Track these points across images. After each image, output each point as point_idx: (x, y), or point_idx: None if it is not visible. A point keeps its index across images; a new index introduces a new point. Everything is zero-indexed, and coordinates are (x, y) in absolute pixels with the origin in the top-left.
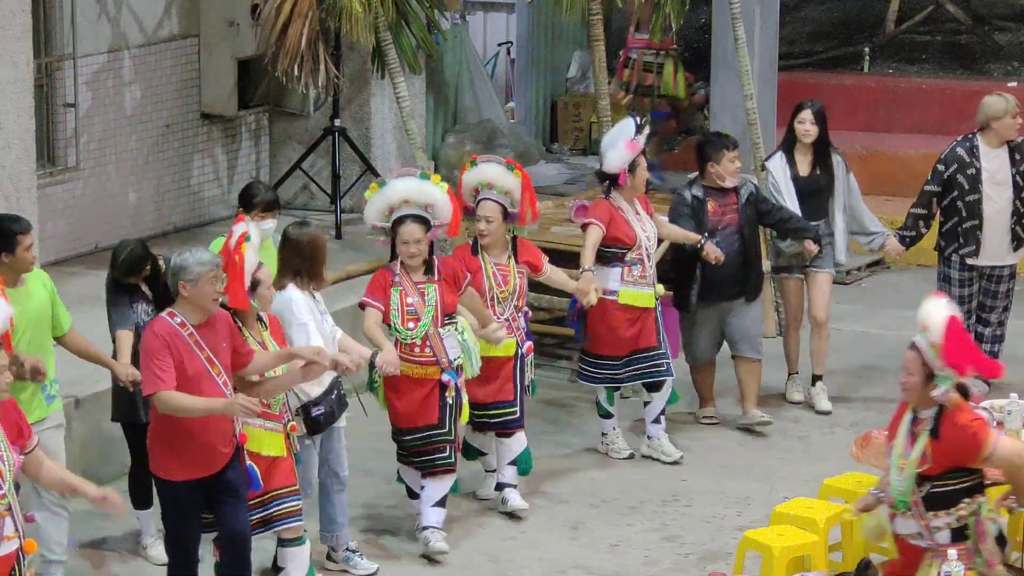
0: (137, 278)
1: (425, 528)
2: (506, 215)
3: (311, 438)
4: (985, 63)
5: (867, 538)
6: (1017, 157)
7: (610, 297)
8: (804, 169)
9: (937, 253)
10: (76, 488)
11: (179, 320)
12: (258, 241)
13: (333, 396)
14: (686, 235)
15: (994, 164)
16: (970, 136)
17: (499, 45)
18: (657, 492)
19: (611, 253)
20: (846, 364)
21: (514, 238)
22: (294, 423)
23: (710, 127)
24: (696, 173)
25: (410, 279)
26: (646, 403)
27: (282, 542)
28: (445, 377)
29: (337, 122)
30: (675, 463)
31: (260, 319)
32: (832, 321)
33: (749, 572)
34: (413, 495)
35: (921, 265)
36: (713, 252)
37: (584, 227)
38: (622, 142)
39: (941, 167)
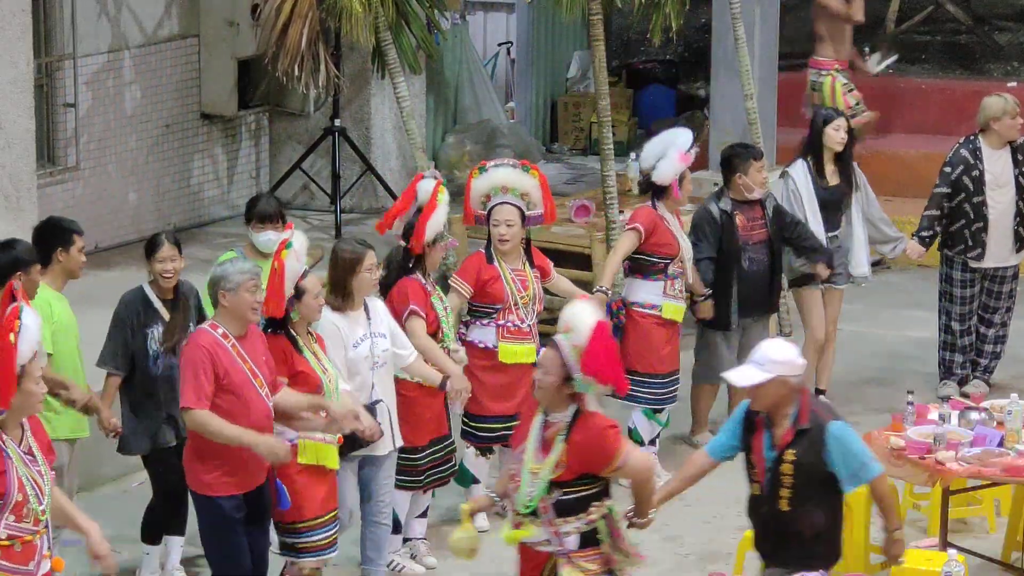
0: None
1: (409, 540)
2: (523, 218)
3: (348, 460)
4: (985, 63)
5: (456, 554)
6: (1019, 158)
7: (652, 312)
8: (830, 178)
9: (940, 253)
10: (79, 526)
11: (221, 331)
12: (301, 248)
13: (375, 416)
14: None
15: (996, 166)
16: (972, 138)
17: (499, 45)
18: None
19: (653, 263)
20: (846, 364)
21: (527, 243)
22: (342, 436)
23: (710, 127)
24: (721, 186)
25: (434, 288)
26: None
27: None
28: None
29: (337, 122)
30: None
31: (309, 332)
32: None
33: (749, 572)
34: (398, 529)
35: (922, 265)
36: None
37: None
38: (675, 153)
39: (948, 169)
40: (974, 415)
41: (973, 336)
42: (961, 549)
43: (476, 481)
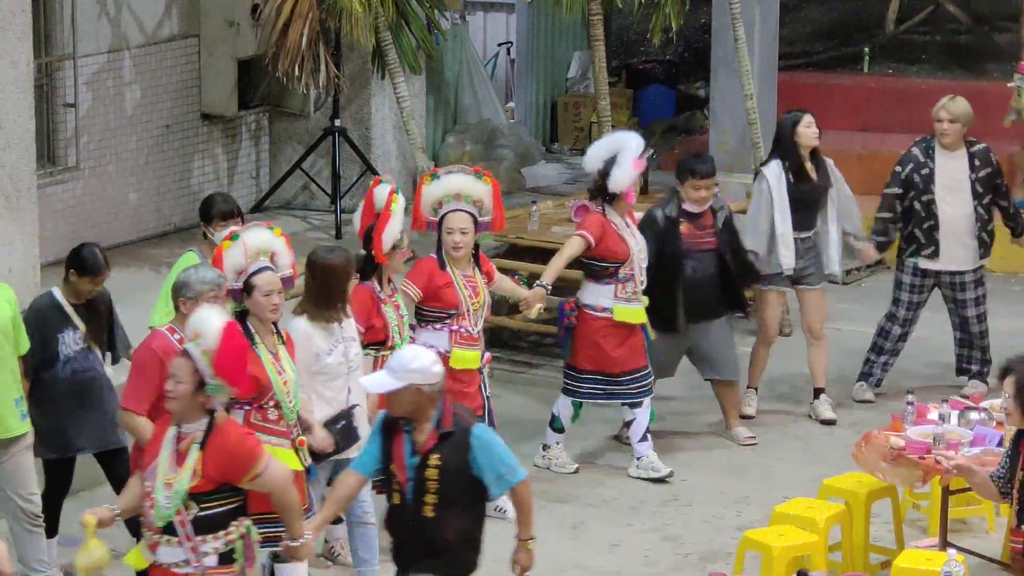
0: (94, 283)
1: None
2: (475, 225)
3: (317, 464)
4: (985, 63)
5: (83, 572)
6: (977, 163)
7: (603, 315)
8: (805, 176)
9: (896, 257)
10: None
11: (178, 336)
12: (254, 244)
13: (339, 426)
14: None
15: (948, 166)
16: (928, 137)
17: (499, 45)
18: (657, 492)
19: (602, 268)
20: (846, 364)
21: (476, 248)
22: (303, 438)
23: (710, 127)
24: (674, 192)
25: (387, 294)
26: (628, 422)
27: (278, 557)
28: None
29: (337, 122)
30: (663, 480)
31: (277, 332)
32: (831, 321)
33: (749, 572)
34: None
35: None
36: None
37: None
38: (629, 159)
39: (898, 168)
40: (974, 415)
41: (905, 343)
42: (961, 549)
43: None
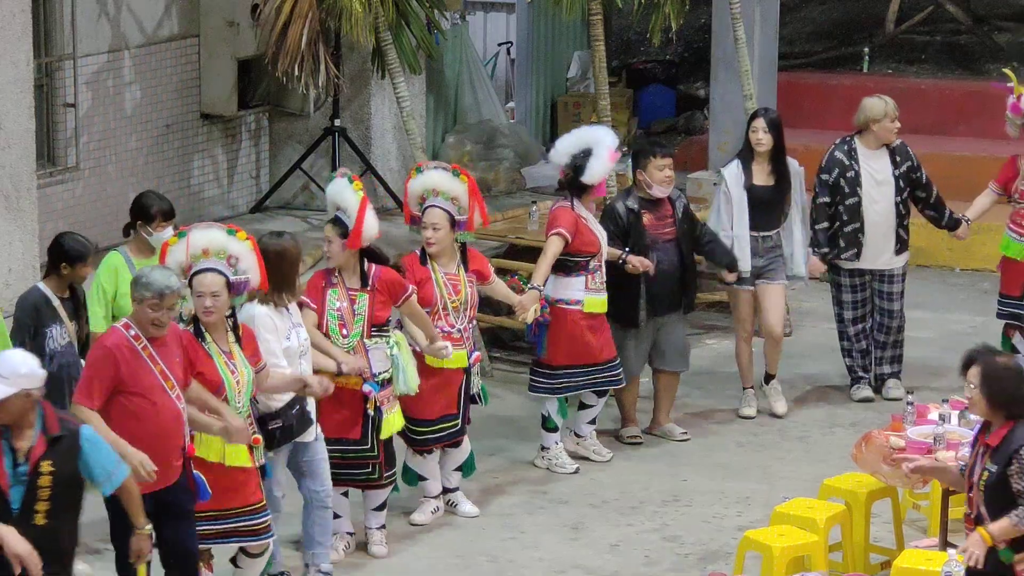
0: (86, 267)
1: (367, 528)
2: (453, 223)
3: (272, 452)
4: (985, 63)
5: None
6: (897, 159)
7: (574, 307)
8: (760, 178)
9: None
10: None
11: (133, 332)
12: (198, 245)
13: (294, 411)
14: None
15: (873, 165)
16: (848, 139)
17: (499, 45)
18: (657, 492)
19: (574, 262)
20: (845, 364)
21: (463, 247)
22: (258, 436)
23: (710, 127)
24: (631, 184)
25: (344, 285)
26: (584, 406)
27: (244, 550)
28: (366, 388)
29: (337, 122)
30: (607, 462)
31: (231, 329)
32: (831, 320)
33: (749, 572)
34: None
35: (920, 265)
36: (640, 263)
37: (548, 237)
38: (606, 152)
39: (825, 176)
40: (974, 415)
41: (869, 339)
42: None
43: (423, 479)
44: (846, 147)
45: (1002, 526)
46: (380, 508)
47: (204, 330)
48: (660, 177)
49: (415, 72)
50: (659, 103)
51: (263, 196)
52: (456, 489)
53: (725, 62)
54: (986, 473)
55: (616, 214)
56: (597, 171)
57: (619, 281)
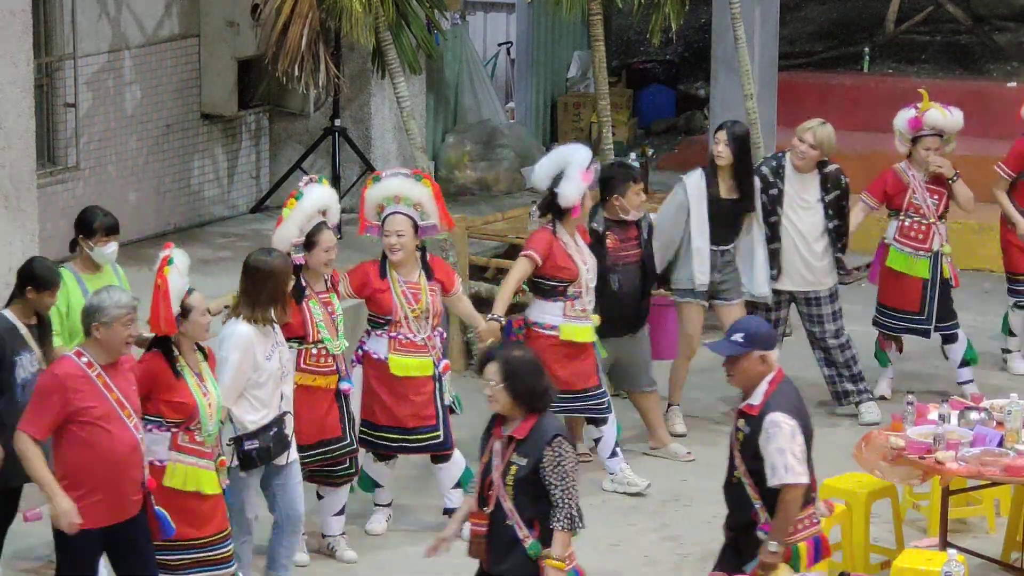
0: (52, 296)
1: (326, 536)
2: (416, 229)
3: (246, 472)
4: (985, 63)
5: None
6: (828, 185)
7: (549, 332)
8: (723, 191)
9: None
10: None
11: (86, 360)
12: (183, 265)
13: (272, 432)
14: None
15: (799, 187)
16: (778, 155)
17: (499, 45)
18: (657, 492)
19: (550, 286)
20: None
21: (423, 253)
22: (224, 457)
23: (710, 127)
24: (596, 204)
25: (314, 290)
26: (596, 440)
27: None
28: (344, 385)
29: (337, 122)
30: (640, 494)
31: (200, 348)
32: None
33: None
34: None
35: None
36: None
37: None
38: (577, 173)
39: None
40: (974, 415)
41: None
42: (961, 549)
43: (378, 485)
44: (775, 163)
45: (557, 540)
46: (340, 513)
47: (177, 354)
48: (637, 202)
49: (415, 72)
50: (659, 103)
51: (263, 196)
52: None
53: (725, 62)
54: (514, 467)
55: None
56: (570, 193)
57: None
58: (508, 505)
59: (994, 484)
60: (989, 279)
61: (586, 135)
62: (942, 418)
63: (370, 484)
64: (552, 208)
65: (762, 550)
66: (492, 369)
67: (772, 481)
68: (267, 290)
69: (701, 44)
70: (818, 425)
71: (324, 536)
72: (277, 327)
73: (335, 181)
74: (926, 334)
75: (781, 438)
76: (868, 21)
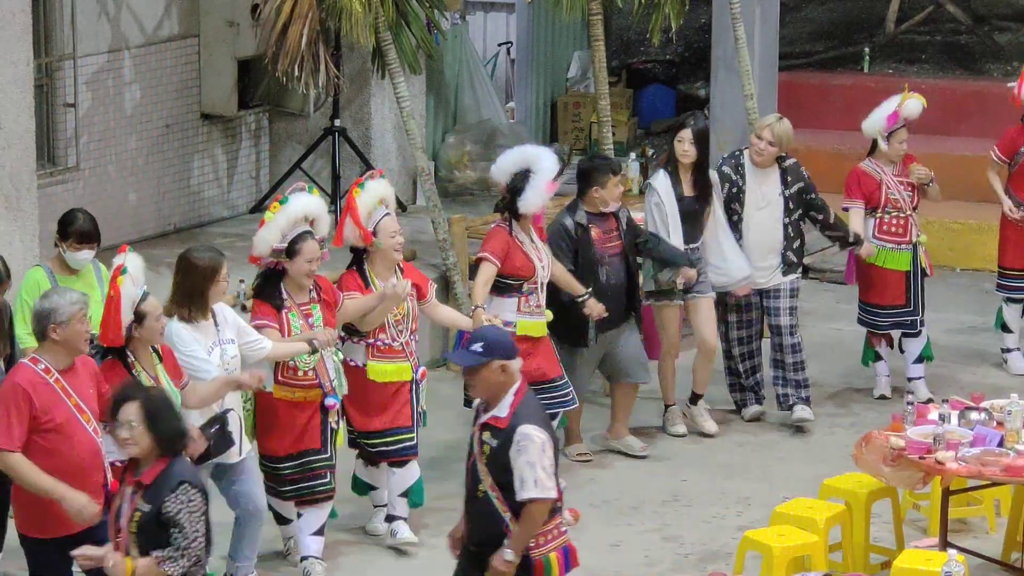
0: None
1: (305, 558)
2: None
3: (201, 469)
4: (985, 63)
5: None
6: (788, 179)
7: (507, 329)
8: (687, 189)
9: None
10: None
11: (43, 366)
12: (137, 271)
13: (213, 430)
14: (570, 283)
15: (759, 184)
16: (737, 153)
17: (499, 45)
18: (657, 492)
19: (506, 284)
20: (844, 364)
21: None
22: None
23: (710, 127)
24: (575, 198)
25: (295, 301)
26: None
27: None
28: (330, 401)
29: (337, 122)
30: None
31: (155, 350)
32: (830, 321)
33: (749, 572)
34: (283, 520)
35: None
36: (596, 308)
37: (477, 261)
38: (543, 183)
39: (723, 190)
40: (974, 415)
41: (756, 360)
42: (961, 549)
43: (373, 488)
44: (734, 161)
45: (146, 563)
46: (319, 533)
47: (132, 359)
48: (616, 194)
49: (415, 72)
50: (659, 103)
51: (263, 196)
52: (401, 518)
53: (725, 62)
54: (139, 513)
55: (565, 231)
56: (532, 202)
57: (568, 300)
58: (134, 552)
59: (994, 484)
60: (989, 279)
61: (586, 135)
62: (942, 418)
63: (364, 487)
64: (510, 208)
65: (496, 558)
66: (131, 410)
67: (521, 495)
68: (186, 286)
69: (701, 44)
70: (818, 425)
71: (301, 559)
72: (223, 326)
73: (335, 181)
74: (914, 326)
75: (532, 451)
76: (868, 21)
